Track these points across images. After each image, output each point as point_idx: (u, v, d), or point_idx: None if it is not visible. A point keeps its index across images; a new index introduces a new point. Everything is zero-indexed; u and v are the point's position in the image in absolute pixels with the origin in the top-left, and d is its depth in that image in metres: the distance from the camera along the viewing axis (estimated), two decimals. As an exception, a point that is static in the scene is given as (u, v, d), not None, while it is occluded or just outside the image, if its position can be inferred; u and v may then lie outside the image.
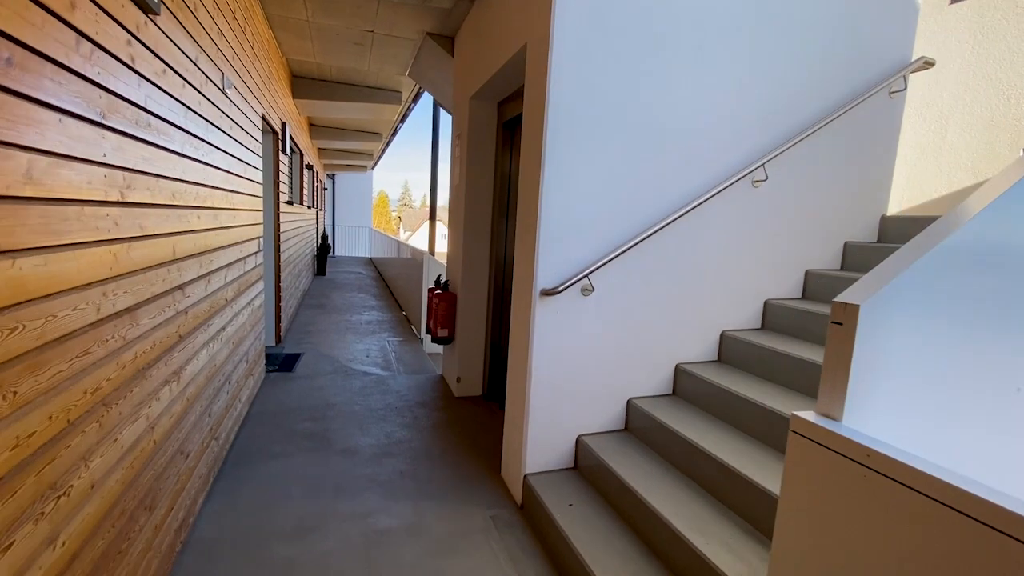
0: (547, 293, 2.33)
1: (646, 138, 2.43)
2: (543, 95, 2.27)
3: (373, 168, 15.94)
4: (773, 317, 2.86)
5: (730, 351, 2.78)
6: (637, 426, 2.60)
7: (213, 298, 2.45)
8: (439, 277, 4.23)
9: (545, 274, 2.35)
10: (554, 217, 2.33)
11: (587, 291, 2.42)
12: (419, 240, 39.79)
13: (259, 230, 3.64)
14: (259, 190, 3.63)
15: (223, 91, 2.60)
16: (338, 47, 4.79)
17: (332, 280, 10.25)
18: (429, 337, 4.15)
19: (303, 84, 6.10)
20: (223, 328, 2.65)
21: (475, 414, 3.61)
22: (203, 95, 2.26)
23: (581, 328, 2.47)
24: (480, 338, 3.93)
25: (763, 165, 2.64)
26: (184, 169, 2.02)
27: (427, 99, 7.53)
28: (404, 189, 73.00)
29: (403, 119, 7.73)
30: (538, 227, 2.31)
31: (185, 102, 2.03)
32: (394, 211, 64.94)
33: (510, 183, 3.65)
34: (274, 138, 4.83)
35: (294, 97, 6.10)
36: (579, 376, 2.52)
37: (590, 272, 2.34)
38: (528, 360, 2.41)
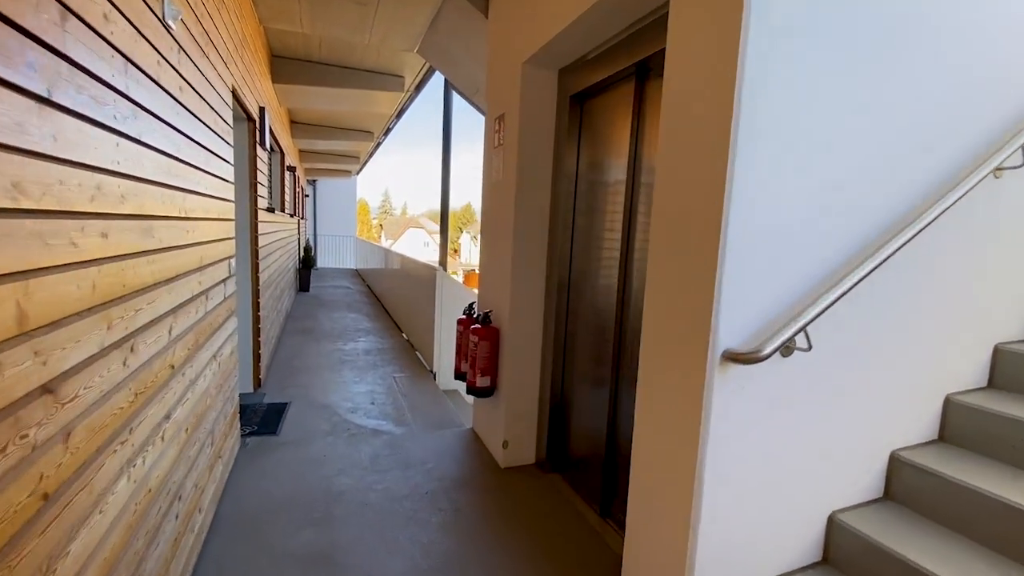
0: (736, 358, 1.35)
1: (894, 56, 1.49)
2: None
3: (358, 173, 14.82)
4: (1010, 369, 1.92)
5: (958, 425, 1.83)
6: (843, 556, 1.63)
7: (142, 376, 1.41)
8: (471, 306, 3.21)
9: (730, 325, 1.37)
10: (750, 225, 1.36)
11: (791, 350, 1.45)
12: (404, 248, 38.73)
13: (230, 247, 2.59)
14: (230, 192, 2.58)
15: (163, 22, 1.57)
16: (333, 4, 3.74)
17: (317, 297, 9.11)
18: (464, 387, 3.14)
19: (285, 66, 5.03)
20: (164, 421, 1.60)
21: (539, 496, 2.60)
22: (117, 7, 1.23)
23: (777, 411, 1.50)
24: (534, 390, 2.93)
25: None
26: (66, 138, 0.99)
27: (432, 89, 6.54)
28: (384, 197, 71.58)
29: (400, 113, 6.70)
30: (721, 243, 1.33)
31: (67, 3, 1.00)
32: (374, 219, 63.47)
33: (577, 178, 2.67)
34: (250, 127, 3.77)
35: (274, 81, 5.03)
36: (766, 485, 1.54)
37: (811, 319, 1.37)
38: (697, 465, 1.42)
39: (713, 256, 1.35)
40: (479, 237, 3.35)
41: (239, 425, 3.03)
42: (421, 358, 5.29)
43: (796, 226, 1.43)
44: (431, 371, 4.81)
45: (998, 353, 1.95)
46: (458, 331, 3.15)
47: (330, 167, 12.84)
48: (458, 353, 3.16)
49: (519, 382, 2.88)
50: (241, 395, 3.73)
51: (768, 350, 1.31)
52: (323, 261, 15.59)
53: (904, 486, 1.75)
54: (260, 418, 3.44)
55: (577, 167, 2.67)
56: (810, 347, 1.42)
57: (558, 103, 2.73)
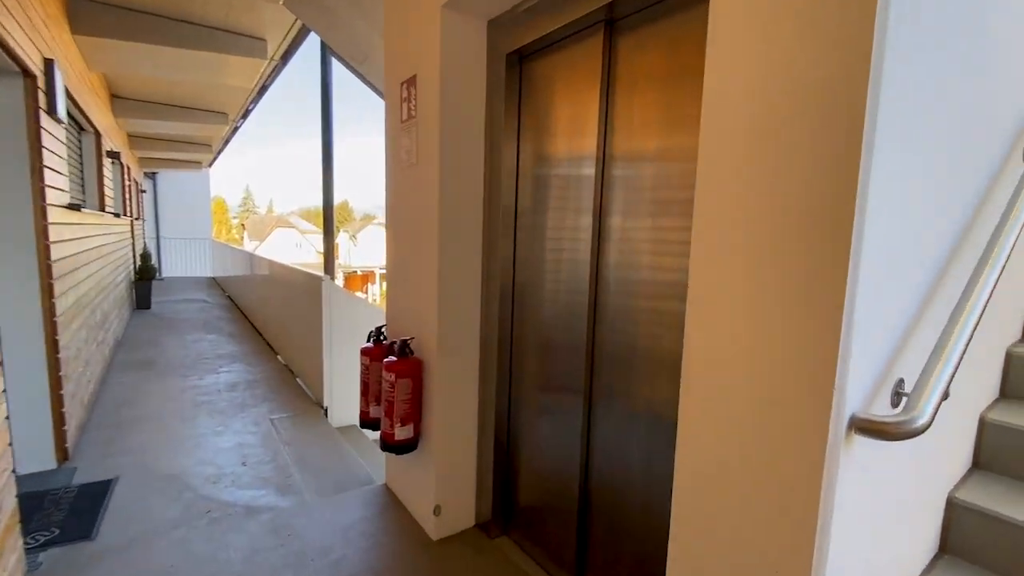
0: (874, 429, 0.85)
1: None
2: None
3: (212, 165, 12.69)
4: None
5: (993, 448, 1.58)
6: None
7: None
8: (379, 331, 2.46)
9: (859, 381, 0.87)
10: (885, 242, 0.87)
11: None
12: (273, 251, 35.25)
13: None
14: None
15: None
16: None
17: (161, 315, 7.41)
18: (374, 436, 2.37)
19: (93, 13, 3.72)
20: None
21: (487, 574, 1.98)
22: None
23: (884, 491, 1.05)
24: (472, 432, 2.28)
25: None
26: None
27: (304, 58, 5.48)
28: (246, 193, 64.56)
29: (263, 89, 5.54)
30: (851, 268, 0.83)
31: None
32: (235, 218, 56.86)
33: (519, 163, 2.07)
34: (28, 86, 2.58)
35: (75, 31, 3.69)
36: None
37: (958, 363, 0.92)
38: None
39: (840, 285, 0.83)
40: (385, 239, 2.60)
41: (21, 536, 1.96)
42: (305, 388, 4.32)
43: (922, 244, 0.98)
44: (321, 405, 3.90)
45: (1011, 359, 1.75)
46: (363, 364, 2.38)
47: (174, 157, 10.73)
48: (364, 394, 2.39)
49: (453, 426, 2.21)
50: (33, 477, 2.57)
51: (927, 416, 0.83)
52: (170, 269, 13.15)
53: (963, 535, 1.43)
54: (65, 513, 2.34)
55: (518, 150, 2.07)
56: (947, 395, 0.97)
57: (490, 64, 2.10)
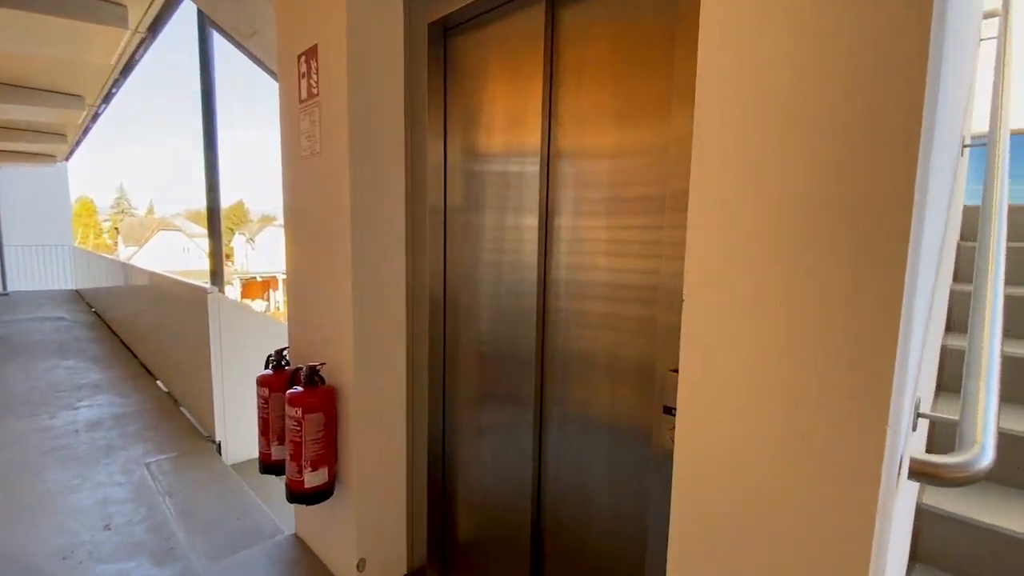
0: (925, 472, 0.68)
1: None
2: None
3: (68, 158, 10.90)
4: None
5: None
6: None
7: None
8: (281, 353, 2.04)
9: (906, 414, 0.70)
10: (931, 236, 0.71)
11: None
12: (156, 256, 31.64)
13: None
14: None
15: None
16: None
17: (5, 339, 6.13)
18: (284, 487, 1.94)
19: None
20: None
21: (429, 650, 1.67)
22: None
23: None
24: (400, 468, 1.96)
25: None
26: None
27: (178, 30, 4.71)
28: (120, 193, 57.22)
29: (128, 67, 4.71)
30: (911, 270, 0.65)
31: None
32: (105, 221, 50.23)
33: (446, 151, 1.78)
34: None
35: None
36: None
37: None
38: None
39: (895, 303, 0.65)
40: (284, 242, 2.18)
41: None
42: (193, 420, 3.68)
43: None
44: (212, 440, 3.31)
45: (945, 351, 1.76)
46: (260, 397, 1.96)
47: (19, 148, 9.03)
48: (264, 432, 1.97)
49: (377, 463, 1.87)
50: None
51: (990, 454, 0.68)
52: (18, 283, 11.10)
53: (934, 542, 1.37)
54: None
55: (446, 139, 1.78)
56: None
57: (410, 34, 1.78)
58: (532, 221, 1.52)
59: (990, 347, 0.80)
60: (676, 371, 0.91)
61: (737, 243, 0.79)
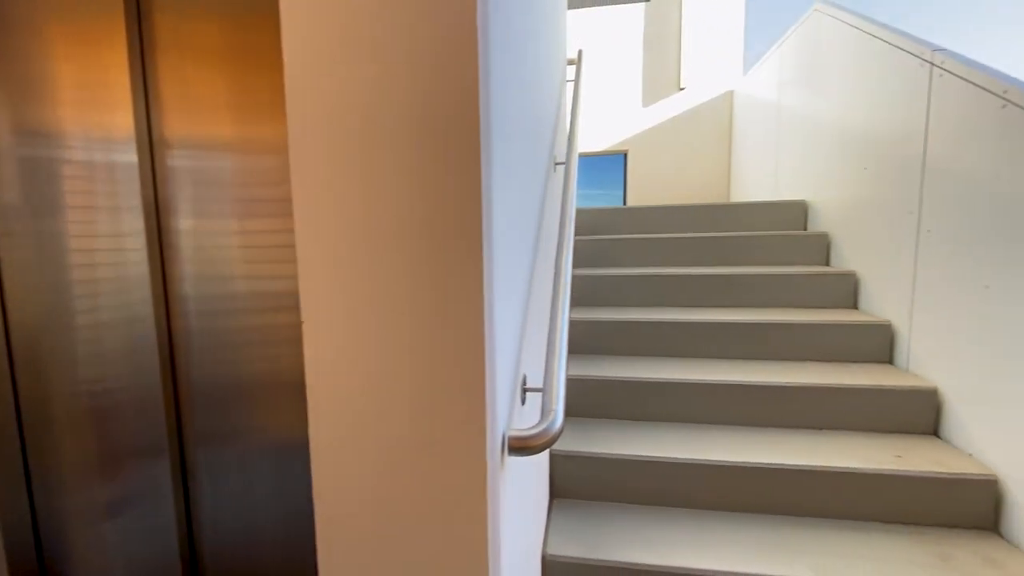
0: (521, 447, 0.79)
1: None
2: None
3: None
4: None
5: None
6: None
7: None
8: None
9: (504, 395, 0.80)
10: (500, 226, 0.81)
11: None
12: None
13: None
14: None
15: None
16: None
17: None
18: None
19: None
20: None
21: None
22: None
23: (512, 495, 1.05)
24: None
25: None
26: None
27: None
28: None
29: None
30: (487, 268, 0.73)
31: None
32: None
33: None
34: None
35: None
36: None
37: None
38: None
39: (478, 299, 0.72)
40: None
41: None
42: None
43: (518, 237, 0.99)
44: None
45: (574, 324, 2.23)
46: None
47: None
48: None
49: None
50: None
51: (560, 417, 0.83)
52: None
53: (564, 478, 1.72)
54: None
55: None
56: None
57: None
58: (136, 224, 1.19)
59: (561, 330, 1.00)
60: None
61: (334, 246, 0.75)
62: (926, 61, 1.86)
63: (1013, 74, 1.59)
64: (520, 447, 0.78)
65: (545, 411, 0.85)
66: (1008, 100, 1.51)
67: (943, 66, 1.78)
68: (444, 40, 0.69)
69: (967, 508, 1.51)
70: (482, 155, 0.71)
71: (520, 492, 1.07)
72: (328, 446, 0.81)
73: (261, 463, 1.26)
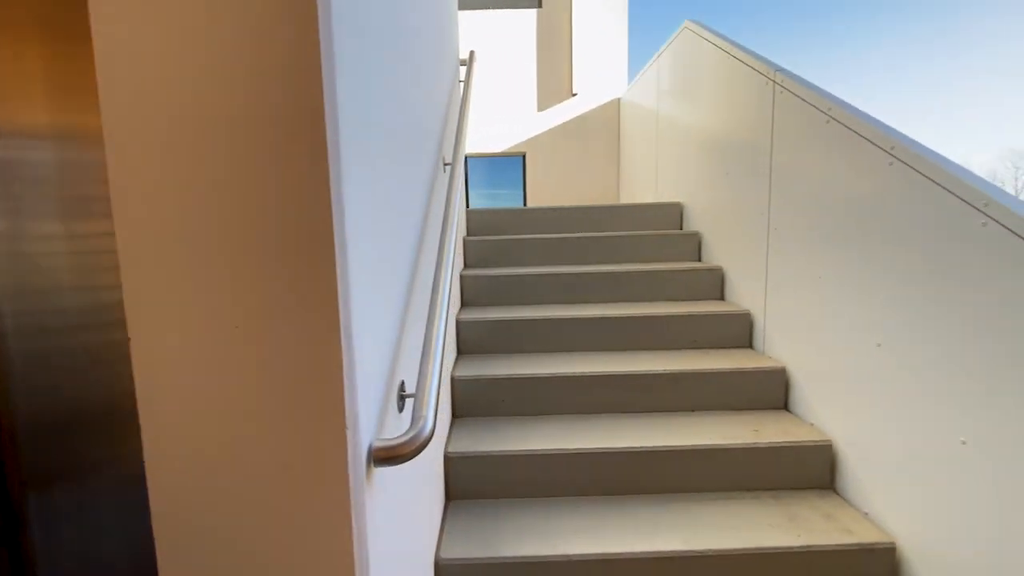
0: (388, 456, 0.77)
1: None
2: None
3: None
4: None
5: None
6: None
7: None
8: None
9: (369, 403, 0.77)
10: (361, 228, 0.78)
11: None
12: None
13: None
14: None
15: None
16: None
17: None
18: None
19: None
20: None
21: None
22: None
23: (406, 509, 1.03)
24: None
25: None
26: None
27: None
28: None
29: None
30: (340, 266, 0.69)
31: None
32: None
33: None
34: None
35: None
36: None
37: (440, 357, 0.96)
38: None
39: (331, 284, 0.68)
40: None
41: None
42: None
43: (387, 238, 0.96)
44: None
45: (459, 324, 2.22)
46: None
47: None
48: None
49: None
50: None
51: (431, 421, 0.82)
52: None
53: (458, 479, 1.71)
54: None
55: None
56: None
57: None
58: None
59: (437, 333, 0.99)
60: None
61: (164, 250, 0.68)
62: (769, 79, 2.10)
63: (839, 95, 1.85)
64: (388, 457, 0.76)
65: (415, 417, 0.83)
66: (832, 117, 1.75)
67: (783, 84, 2.02)
68: (279, 19, 0.65)
69: (810, 471, 1.74)
70: (330, 150, 0.67)
71: (404, 500, 1.04)
72: (168, 484, 0.73)
73: (105, 503, 1.11)
